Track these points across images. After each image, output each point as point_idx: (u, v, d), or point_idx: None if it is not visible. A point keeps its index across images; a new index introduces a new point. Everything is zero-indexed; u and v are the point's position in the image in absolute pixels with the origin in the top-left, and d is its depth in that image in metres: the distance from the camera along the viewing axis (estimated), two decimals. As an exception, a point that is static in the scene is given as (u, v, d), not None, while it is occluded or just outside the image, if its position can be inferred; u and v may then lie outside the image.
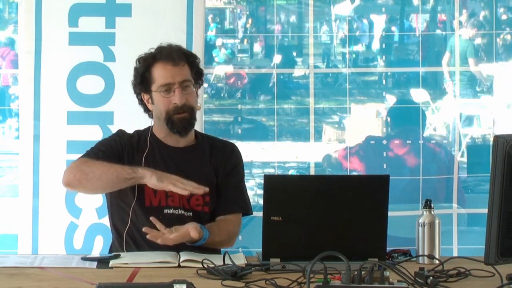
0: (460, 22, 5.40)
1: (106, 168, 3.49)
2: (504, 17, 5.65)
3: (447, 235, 4.89)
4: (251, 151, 5.50)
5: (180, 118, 3.58)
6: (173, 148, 3.65)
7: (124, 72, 4.36)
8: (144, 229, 3.35)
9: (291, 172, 5.59)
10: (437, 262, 3.24)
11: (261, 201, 3.72)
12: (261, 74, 5.72)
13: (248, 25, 6.48)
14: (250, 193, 4.53)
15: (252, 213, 3.78)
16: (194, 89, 3.64)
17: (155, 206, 3.56)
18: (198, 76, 3.68)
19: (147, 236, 3.33)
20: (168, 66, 3.59)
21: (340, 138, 5.56)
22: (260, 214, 3.22)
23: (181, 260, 3.24)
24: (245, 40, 6.48)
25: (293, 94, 5.73)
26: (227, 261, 3.15)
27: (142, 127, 3.76)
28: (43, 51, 4.42)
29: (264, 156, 5.42)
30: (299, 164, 5.57)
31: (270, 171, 5.30)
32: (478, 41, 5.75)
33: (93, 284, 2.81)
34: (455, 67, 5.30)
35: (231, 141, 3.83)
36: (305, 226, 3.17)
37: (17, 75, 4.81)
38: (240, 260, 3.24)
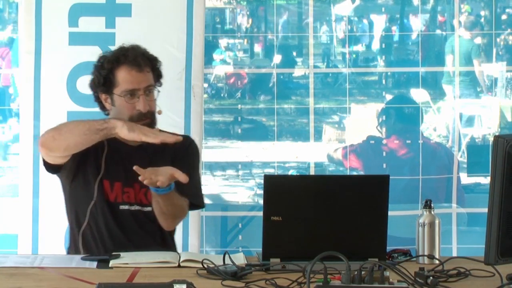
0: (460, 22, 5.40)
1: (77, 122, 3.58)
2: (504, 17, 5.65)
3: (447, 235, 4.89)
4: (251, 151, 5.50)
5: (143, 125, 3.58)
6: (130, 146, 3.66)
7: (124, 72, 4.36)
8: (135, 168, 3.38)
9: (291, 172, 5.59)
10: (437, 262, 3.24)
11: (261, 201, 3.72)
12: (261, 74, 5.72)
13: (248, 25, 6.48)
14: (250, 193, 4.53)
15: (203, 206, 3.81)
16: (156, 94, 3.68)
17: (112, 201, 3.62)
18: (158, 79, 3.72)
19: (140, 178, 3.37)
20: (133, 71, 3.61)
21: (340, 138, 5.56)
22: (260, 214, 3.22)
23: (181, 260, 3.24)
24: (245, 40, 6.47)
25: (293, 94, 5.73)
26: (227, 261, 3.15)
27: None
28: (43, 51, 4.42)
29: (264, 156, 5.42)
30: (299, 164, 5.57)
31: (270, 171, 5.30)
32: (478, 41, 5.75)
33: (93, 284, 2.81)
34: (455, 67, 5.30)
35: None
36: (305, 226, 3.17)
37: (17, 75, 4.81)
38: (240, 260, 3.24)
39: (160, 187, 3.43)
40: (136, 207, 3.64)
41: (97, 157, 3.63)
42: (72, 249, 3.71)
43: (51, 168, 3.68)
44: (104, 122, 3.52)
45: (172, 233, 3.78)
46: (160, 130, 3.68)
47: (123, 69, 3.61)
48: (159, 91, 3.71)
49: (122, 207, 3.63)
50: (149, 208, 3.63)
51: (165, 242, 3.70)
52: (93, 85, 3.70)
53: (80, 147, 3.55)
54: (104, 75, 3.63)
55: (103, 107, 3.72)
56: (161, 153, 3.66)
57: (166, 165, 3.53)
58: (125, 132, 3.47)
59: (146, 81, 3.63)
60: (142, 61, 3.63)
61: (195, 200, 3.72)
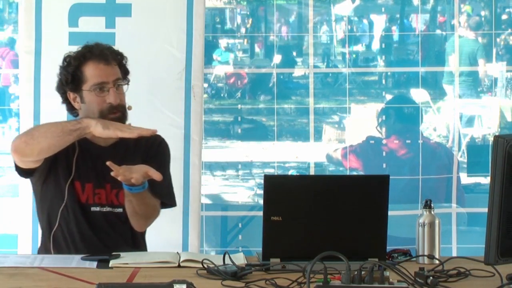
0: (460, 22, 5.40)
1: (49, 125, 3.55)
2: (504, 17, 5.65)
3: (446, 234, 4.90)
4: (251, 151, 5.50)
5: (114, 119, 3.57)
6: (101, 147, 3.64)
7: (124, 72, 4.36)
8: (108, 163, 3.37)
9: (291, 172, 5.59)
10: (437, 262, 3.24)
11: (261, 201, 3.70)
12: (261, 74, 5.72)
13: (248, 25, 6.48)
14: (250, 193, 4.51)
15: (175, 205, 3.78)
16: (125, 89, 3.67)
17: (83, 203, 3.60)
18: (125, 75, 3.70)
19: (112, 174, 3.37)
20: (101, 65, 3.60)
21: (340, 138, 5.56)
22: (260, 214, 3.22)
23: (181, 260, 3.24)
24: (245, 40, 6.47)
25: (293, 94, 5.74)
26: (227, 261, 3.15)
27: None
28: (43, 51, 4.42)
29: (264, 156, 5.43)
30: (299, 164, 5.57)
31: (270, 171, 5.30)
32: (479, 41, 5.75)
33: (93, 284, 2.81)
34: (455, 67, 5.31)
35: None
36: (305, 226, 3.17)
37: (17, 75, 4.81)
38: (240, 260, 3.24)
39: (134, 184, 3.42)
40: (107, 209, 3.62)
41: (68, 159, 3.59)
42: (42, 251, 3.69)
43: (24, 172, 3.64)
44: (77, 123, 3.50)
45: (143, 234, 3.76)
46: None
47: (90, 64, 3.60)
48: (128, 85, 3.69)
49: (93, 208, 3.61)
50: (120, 209, 3.62)
51: (137, 243, 3.68)
52: (61, 85, 3.67)
53: (54, 149, 3.51)
54: (71, 73, 3.61)
55: (71, 108, 3.69)
56: (133, 153, 3.64)
57: (136, 161, 3.53)
58: (99, 130, 3.46)
59: (114, 74, 3.62)
60: (109, 54, 3.63)
61: (167, 200, 3.71)
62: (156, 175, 3.40)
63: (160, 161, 3.69)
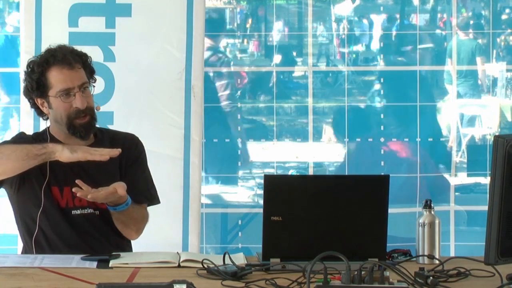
0: (459, 22, 5.40)
1: (15, 147, 3.49)
2: (504, 17, 5.65)
3: (444, 233, 4.90)
4: (251, 151, 5.50)
5: (82, 124, 3.56)
6: None
7: (124, 72, 4.37)
8: (74, 190, 3.36)
9: (291, 172, 5.59)
10: (437, 262, 3.24)
11: (261, 201, 3.70)
12: (261, 74, 5.71)
13: (248, 25, 6.48)
14: (250, 193, 4.51)
15: (159, 202, 3.75)
16: (91, 90, 3.64)
17: (63, 207, 3.56)
18: (91, 75, 3.67)
19: (78, 194, 3.35)
20: (65, 70, 3.56)
21: (339, 138, 5.56)
22: (260, 211, 3.22)
23: (181, 260, 3.25)
24: (245, 40, 6.47)
25: (292, 93, 5.73)
26: (227, 261, 3.15)
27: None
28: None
29: (264, 156, 5.42)
30: (299, 164, 5.57)
31: (270, 171, 5.30)
32: (478, 41, 5.74)
33: (93, 284, 2.81)
34: (453, 66, 5.31)
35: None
36: (305, 226, 3.18)
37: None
38: (240, 260, 3.25)
39: (117, 204, 3.44)
40: (89, 210, 3.59)
41: (41, 165, 3.53)
42: None
43: None
44: (42, 147, 3.46)
45: None
46: (101, 131, 3.69)
47: (54, 70, 3.56)
48: (94, 86, 3.67)
49: (74, 212, 3.57)
50: (97, 212, 3.60)
51: (121, 243, 3.66)
52: (27, 91, 3.63)
53: (17, 171, 3.48)
54: (36, 79, 3.57)
55: (41, 113, 3.66)
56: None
57: (115, 166, 3.56)
58: (67, 154, 3.41)
59: (79, 79, 3.57)
60: (72, 58, 3.58)
61: (154, 201, 3.72)
62: (122, 191, 3.38)
63: (142, 165, 3.71)
